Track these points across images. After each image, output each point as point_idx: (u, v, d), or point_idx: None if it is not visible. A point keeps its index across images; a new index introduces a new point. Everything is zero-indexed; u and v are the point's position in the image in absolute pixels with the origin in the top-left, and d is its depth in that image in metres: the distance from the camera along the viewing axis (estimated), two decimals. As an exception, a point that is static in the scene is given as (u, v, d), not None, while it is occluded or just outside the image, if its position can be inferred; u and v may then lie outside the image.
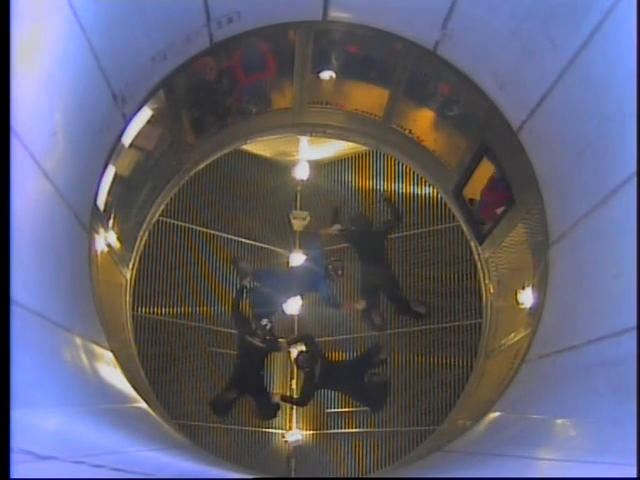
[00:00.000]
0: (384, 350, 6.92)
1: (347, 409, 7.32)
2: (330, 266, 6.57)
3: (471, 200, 6.49)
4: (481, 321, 6.56)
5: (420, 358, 7.06)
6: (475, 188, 6.22)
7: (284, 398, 6.98)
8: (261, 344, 6.50)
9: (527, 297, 5.21)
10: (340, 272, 6.59)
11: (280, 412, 7.02)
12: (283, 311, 7.54)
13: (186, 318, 7.20)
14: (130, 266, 6.18)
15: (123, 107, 4.28)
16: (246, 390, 6.59)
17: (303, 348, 6.85)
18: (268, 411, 6.75)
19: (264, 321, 6.52)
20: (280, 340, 6.94)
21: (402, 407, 7.08)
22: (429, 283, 7.15)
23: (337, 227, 6.81)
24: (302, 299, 7.51)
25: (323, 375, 6.55)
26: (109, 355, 4.31)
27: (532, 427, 3.59)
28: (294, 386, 7.59)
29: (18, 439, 1.84)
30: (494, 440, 4.26)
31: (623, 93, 3.05)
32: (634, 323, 2.75)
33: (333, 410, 7.34)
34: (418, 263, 7.30)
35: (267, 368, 7.28)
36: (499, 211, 5.90)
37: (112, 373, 4.28)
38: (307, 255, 7.29)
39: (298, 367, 6.82)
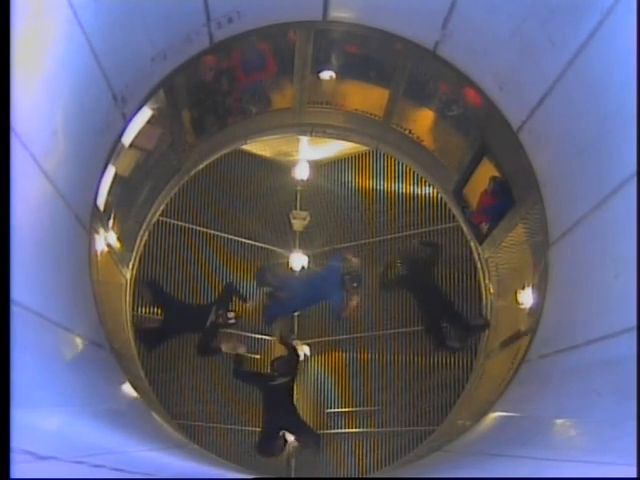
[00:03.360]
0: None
1: (347, 409, 7.32)
2: (347, 276, 6.50)
3: (464, 208, 6.53)
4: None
5: (420, 358, 7.04)
6: (472, 193, 6.24)
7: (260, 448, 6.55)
8: (207, 328, 6.30)
9: (527, 297, 5.22)
10: (356, 284, 6.52)
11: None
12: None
13: (186, 318, 7.19)
14: (130, 266, 6.18)
15: (123, 107, 4.28)
16: (169, 329, 6.38)
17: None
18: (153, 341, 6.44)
19: (230, 314, 6.39)
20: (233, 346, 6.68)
21: (402, 407, 7.07)
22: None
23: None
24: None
25: None
26: (109, 355, 4.31)
27: (532, 427, 3.59)
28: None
29: (18, 439, 1.84)
30: (494, 440, 4.26)
31: (623, 93, 3.05)
32: (634, 323, 2.75)
33: (333, 410, 7.33)
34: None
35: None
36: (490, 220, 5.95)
37: (112, 373, 4.28)
38: (308, 256, 7.29)
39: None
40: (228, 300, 6.60)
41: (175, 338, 6.62)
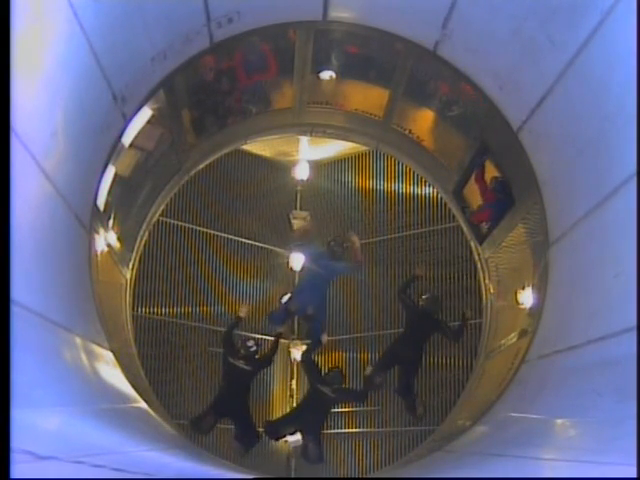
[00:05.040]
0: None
1: (347, 409, 7.32)
2: (332, 242, 6.42)
3: (464, 207, 6.53)
4: (481, 321, 6.56)
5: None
6: (472, 193, 6.24)
7: (269, 425, 6.70)
8: (245, 366, 6.29)
9: (527, 297, 5.22)
10: (346, 245, 6.41)
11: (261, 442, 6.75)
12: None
13: (186, 318, 7.20)
14: (130, 266, 6.18)
15: (123, 107, 4.28)
16: (226, 414, 6.36)
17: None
18: (249, 440, 6.48)
19: (250, 342, 6.37)
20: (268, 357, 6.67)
21: (402, 407, 7.07)
22: (429, 283, 7.14)
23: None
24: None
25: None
26: (109, 355, 4.31)
27: (532, 427, 3.59)
28: (294, 386, 7.59)
29: (18, 439, 1.84)
30: (494, 440, 4.26)
31: (623, 93, 3.05)
32: (634, 323, 2.75)
33: (333, 410, 7.33)
34: (418, 263, 7.30)
35: (258, 387, 7.20)
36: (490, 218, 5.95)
37: (112, 373, 4.28)
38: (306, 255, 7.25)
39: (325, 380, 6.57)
40: (230, 339, 6.50)
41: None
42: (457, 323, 6.53)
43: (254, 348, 6.39)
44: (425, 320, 6.60)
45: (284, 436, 6.69)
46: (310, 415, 6.43)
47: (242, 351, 6.33)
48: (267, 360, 6.63)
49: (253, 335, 7.22)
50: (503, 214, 5.67)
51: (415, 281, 6.85)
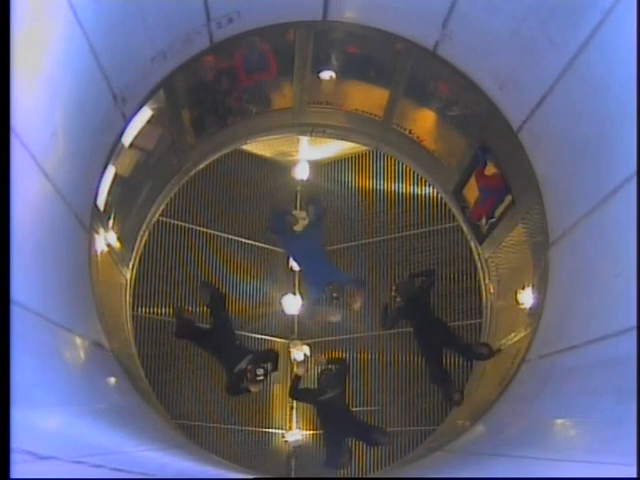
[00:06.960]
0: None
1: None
2: (331, 287, 6.35)
3: (464, 208, 6.52)
4: (481, 321, 6.56)
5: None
6: (472, 193, 6.24)
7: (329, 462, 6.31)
8: (236, 372, 6.07)
9: (527, 297, 5.22)
10: (335, 295, 6.35)
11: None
12: (283, 311, 7.54)
13: (186, 318, 7.19)
14: (130, 266, 6.18)
15: (123, 107, 4.28)
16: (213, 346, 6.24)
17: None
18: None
19: (259, 371, 6.00)
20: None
21: (402, 407, 7.08)
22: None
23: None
24: (302, 298, 7.52)
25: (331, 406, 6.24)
26: (109, 355, 4.31)
27: (532, 427, 3.60)
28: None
29: (18, 439, 1.84)
30: (494, 440, 4.26)
31: (623, 93, 3.05)
32: (634, 323, 2.75)
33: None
34: (418, 263, 7.30)
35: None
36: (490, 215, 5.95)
37: (112, 373, 4.28)
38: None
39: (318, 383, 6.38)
40: (265, 359, 6.30)
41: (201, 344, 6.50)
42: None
43: (260, 378, 6.09)
44: (416, 300, 6.49)
45: (350, 458, 6.42)
46: (339, 424, 6.23)
47: (248, 373, 6.07)
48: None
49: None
50: (501, 201, 5.63)
51: (386, 310, 6.72)
